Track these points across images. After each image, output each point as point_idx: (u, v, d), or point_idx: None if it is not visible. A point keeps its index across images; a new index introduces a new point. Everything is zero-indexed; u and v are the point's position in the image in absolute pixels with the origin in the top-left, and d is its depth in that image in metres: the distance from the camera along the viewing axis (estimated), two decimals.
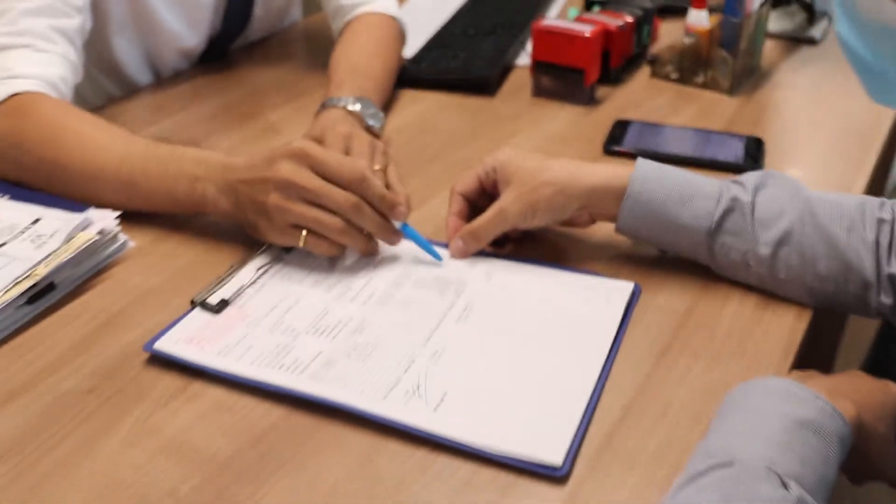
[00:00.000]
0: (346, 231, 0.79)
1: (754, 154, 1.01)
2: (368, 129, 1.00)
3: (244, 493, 0.62)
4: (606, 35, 1.14)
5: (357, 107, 1.00)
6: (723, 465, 0.57)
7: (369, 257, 0.83)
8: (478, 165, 0.86)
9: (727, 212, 0.78)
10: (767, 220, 0.77)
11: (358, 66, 1.09)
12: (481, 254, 0.85)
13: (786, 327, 0.77)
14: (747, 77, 1.20)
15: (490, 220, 0.82)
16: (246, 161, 0.82)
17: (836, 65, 1.27)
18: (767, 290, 0.80)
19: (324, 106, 1.01)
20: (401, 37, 1.20)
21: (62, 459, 0.64)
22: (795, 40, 1.34)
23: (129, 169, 0.86)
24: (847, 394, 0.65)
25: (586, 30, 1.10)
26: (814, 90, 1.20)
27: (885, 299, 0.75)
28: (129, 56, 1.20)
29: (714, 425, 0.62)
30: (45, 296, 0.78)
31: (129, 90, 1.22)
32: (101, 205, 0.86)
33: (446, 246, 0.85)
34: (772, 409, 0.61)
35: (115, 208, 0.85)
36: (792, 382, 0.63)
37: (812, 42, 1.34)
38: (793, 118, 1.14)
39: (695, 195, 0.79)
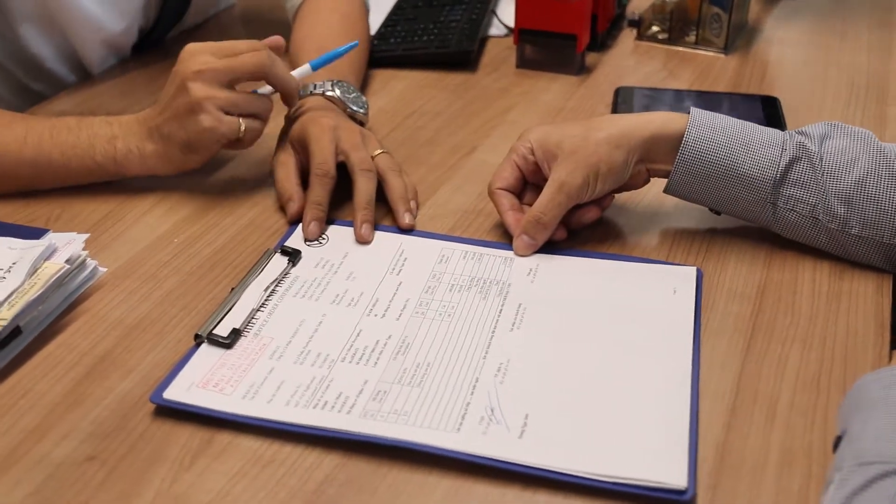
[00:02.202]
0: (272, 60, 0.79)
1: (774, 114, 0.94)
2: (351, 117, 0.88)
3: None
4: None
5: (336, 92, 0.88)
6: (891, 474, 0.49)
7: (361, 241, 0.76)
8: (509, 154, 0.76)
9: (794, 160, 0.71)
10: (838, 170, 0.70)
11: (325, 46, 0.95)
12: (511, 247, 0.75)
13: (870, 300, 0.69)
14: (738, 34, 1.13)
15: (552, 200, 0.72)
16: (155, 105, 0.80)
17: (822, 18, 1.21)
18: (836, 255, 0.72)
19: (298, 95, 0.88)
20: (365, 11, 1.07)
21: None
22: None
23: (37, 143, 0.80)
24: None
25: None
26: (810, 45, 1.14)
27: None
28: (45, 51, 1.04)
29: (855, 426, 0.54)
30: (10, 343, 0.64)
31: (59, 89, 1.06)
32: (2, 189, 0.82)
33: (500, 247, 0.75)
34: None
35: (21, 189, 0.82)
36: None
37: None
38: (797, 74, 1.07)
39: (757, 142, 0.71)
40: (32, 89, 1.08)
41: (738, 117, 0.94)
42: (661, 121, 0.73)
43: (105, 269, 0.73)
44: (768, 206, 0.72)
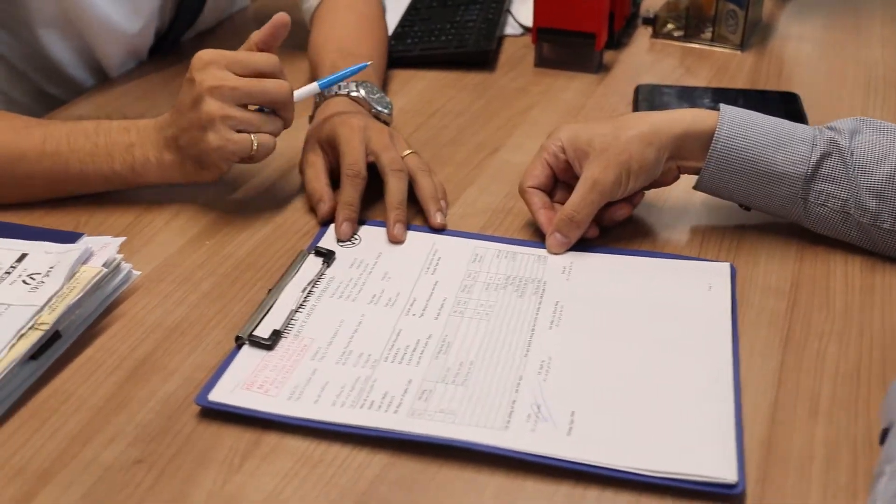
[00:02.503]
0: (287, 90, 0.76)
1: (795, 110, 0.94)
2: (376, 117, 0.88)
3: None
4: None
5: (361, 93, 0.88)
6: None
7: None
8: (540, 152, 0.76)
9: (825, 156, 0.71)
10: (869, 164, 0.71)
11: (348, 47, 0.96)
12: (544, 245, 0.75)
13: None
14: (753, 31, 1.13)
15: (584, 198, 0.72)
16: (170, 113, 0.79)
17: (835, 13, 1.22)
18: (871, 254, 0.73)
19: (322, 96, 0.89)
20: (383, 11, 1.08)
21: None
22: None
23: (55, 150, 0.79)
24: None
25: None
26: (825, 41, 1.15)
27: None
28: (64, 55, 1.04)
29: None
30: (50, 347, 0.64)
31: (76, 93, 1.06)
32: (20, 198, 0.81)
33: (533, 245, 0.75)
34: None
35: (38, 198, 0.81)
36: None
37: None
38: (814, 70, 1.08)
39: (788, 139, 0.72)
40: (49, 93, 1.08)
41: (766, 113, 0.95)
42: (691, 117, 0.73)
43: (139, 273, 0.73)
44: (799, 202, 0.73)
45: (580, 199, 0.73)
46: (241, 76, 0.75)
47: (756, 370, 0.63)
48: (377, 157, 0.79)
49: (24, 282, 0.66)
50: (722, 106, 0.73)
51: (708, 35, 1.11)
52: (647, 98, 0.97)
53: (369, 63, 0.85)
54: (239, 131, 0.75)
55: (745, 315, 0.68)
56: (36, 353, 0.63)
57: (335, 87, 0.88)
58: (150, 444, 0.58)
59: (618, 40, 1.11)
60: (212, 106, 0.73)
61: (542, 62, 1.07)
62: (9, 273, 0.67)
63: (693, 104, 0.96)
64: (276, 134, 0.77)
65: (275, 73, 0.76)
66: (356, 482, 0.55)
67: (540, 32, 1.05)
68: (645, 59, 1.10)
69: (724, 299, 0.68)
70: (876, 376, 0.62)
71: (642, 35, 1.16)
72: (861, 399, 0.61)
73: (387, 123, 0.90)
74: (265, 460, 0.57)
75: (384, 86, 1.02)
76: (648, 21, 1.15)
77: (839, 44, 1.13)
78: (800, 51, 1.12)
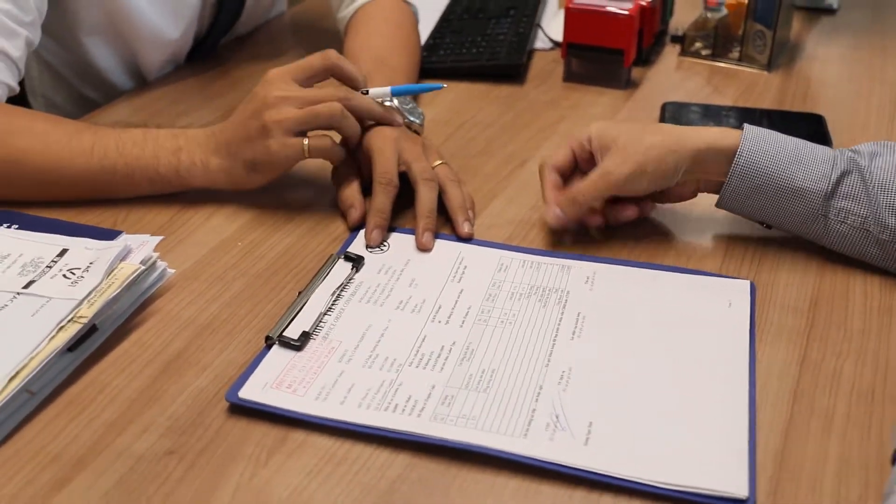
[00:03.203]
0: (344, 113, 0.80)
1: (820, 132, 0.95)
2: (408, 127, 0.90)
3: None
4: (642, 12, 1.07)
5: (395, 103, 0.90)
6: None
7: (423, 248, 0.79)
8: (570, 139, 0.79)
9: (844, 174, 0.73)
10: (888, 182, 0.72)
11: (382, 56, 0.99)
12: (573, 257, 0.77)
13: None
14: (781, 52, 1.14)
15: (593, 183, 0.76)
16: (227, 122, 0.83)
17: (863, 33, 1.23)
18: (890, 275, 0.74)
19: (397, 117, 0.91)
20: (416, 21, 1.10)
21: None
22: (814, 10, 1.29)
23: (103, 154, 0.82)
24: None
25: (625, 7, 1.03)
26: (852, 61, 1.16)
27: None
28: (107, 61, 1.08)
29: None
30: (87, 340, 0.67)
31: (114, 96, 1.09)
32: (68, 198, 0.83)
33: (558, 255, 0.77)
34: None
35: (85, 198, 0.83)
36: None
37: (830, 11, 1.29)
38: (841, 91, 1.09)
39: (809, 157, 0.74)
40: (88, 97, 1.11)
41: (785, 133, 0.96)
42: (716, 134, 0.76)
43: (174, 271, 0.75)
44: (819, 219, 0.74)
45: (588, 184, 0.76)
46: (305, 86, 0.81)
47: (772, 386, 0.64)
48: (409, 166, 0.82)
49: (64, 276, 0.69)
50: (746, 125, 0.75)
51: (735, 55, 1.13)
52: (674, 115, 0.99)
53: (444, 86, 0.90)
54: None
55: (764, 332, 0.69)
56: (73, 346, 0.66)
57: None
58: (181, 437, 0.61)
59: (646, 57, 1.13)
60: (271, 114, 0.78)
61: (570, 77, 1.09)
62: (50, 267, 0.70)
63: (718, 123, 0.98)
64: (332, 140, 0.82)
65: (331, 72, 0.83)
66: (378, 481, 0.57)
67: (570, 48, 1.07)
68: (673, 76, 1.12)
69: (743, 316, 0.70)
70: (890, 397, 0.63)
71: (670, 53, 1.17)
72: (875, 418, 0.62)
73: (418, 133, 0.92)
74: (291, 457, 0.59)
75: (415, 95, 1.05)
76: (677, 39, 1.16)
77: (866, 64, 1.14)
78: (827, 72, 1.13)
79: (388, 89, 0.84)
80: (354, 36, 1.04)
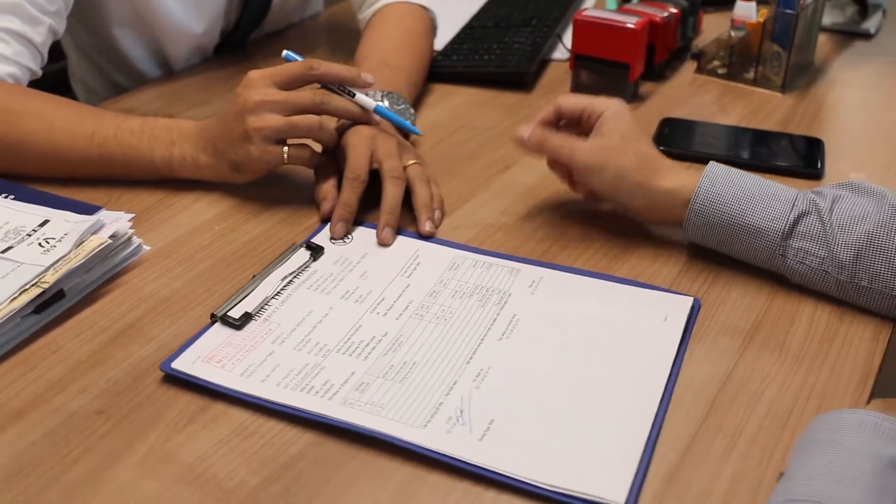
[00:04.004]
0: (322, 125, 0.83)
1: (813, 156, 0.94)
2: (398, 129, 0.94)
3: None
4: (652, 27, 1.07)
5: (385, 103, 0.93)
6: None
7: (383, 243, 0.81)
8: (592, 99, 0.82)
9: (802, 214, 0.73)
10: (847, 223, 0.72)
11: (387, 58, 1.02)
12: (526, 261, 0.78)
13: (863, 347, 0.70)
14: (801, 74, 1.12)
15: (560, 147, 0.81)
16: (215, 120, 0.86)
17: (890, 62, 1.19)
18: (844, 303, 0.73)
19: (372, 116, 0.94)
20: (432, 28, 1.13)
21: (69, 489, 0.58)
22: (848, 34, 1.26)
23: (102, 142, 0.87)
24: None
25: (632, 21, 1.03)
26: (872, 87, 1.13)
27: None
28: (135, 51, 1.15)
29: (794, 465, 0.55)
30: (53, 304, 0.72)
31: (143, 85, 1.16)
32: (74, 177, 0.89)
33: (510, 258, 0.79)
34: (861, 449, 0.54)
35: (88, 178, 0.89)
36: (882, 416, 0.56)
37: (866, 36, 1.26)
38: (852, 117, 1.06)
39: (768, 197, 0.74)
40: (121, 84, 1.19)
41: (776, 156, 0.96)
42: (676, 181, 0.78)
43: (149, 248, 0.81)
44: (778, 257, 0.74)
45: (558, 143, 0.81)
46: (285, 90, 0.83)
47: (686, 402, 0.64)
48: (380, 164, 0.85)
49: (39, 244, 0.75)
50: (710, 164, 0.77)
51: (751, 75, 1.11)
52: (669, 131, 0.99)
53: (420, 133, 0.95)
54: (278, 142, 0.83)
55: (695, 350, 0.69)
56: (39, 308, 0.71)
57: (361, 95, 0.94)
58: (113, 399, 0.65)
59: (660, 72, 1.13)
60: (252, 120, 0.81)
61: (578, 88, 1.10)
62: (30, 235, 0.76)
63: (707, 140, 0.97)
64: (318, 139, 0.85)
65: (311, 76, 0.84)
66: (279, 455, 0.61)
67: (577, 59, 1.08)
68: (683, 93, 1.11)
69: (675, 331, 0.70)
70: (804, 423, 0.62)
71: (688, 69, 1.17)
72: (782, 443, 0.61)
73: (407, 133, 0.95)
74: (206, 426, 0.63)
75: (422, 97, 1.08)
76: (696, 56, 1.16)
77: (887, 93, 1.11)
78: (843, 97, 1.10)
79: (373, 104, 0.87)
80: (367, 37, 1.08)
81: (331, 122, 0.86)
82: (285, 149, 0.83)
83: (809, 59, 1.15)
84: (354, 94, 0.88)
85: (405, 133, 0.94)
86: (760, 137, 0.98)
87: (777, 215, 0.73)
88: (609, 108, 0.80)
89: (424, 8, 1.12)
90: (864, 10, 1.29)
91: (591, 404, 0.63)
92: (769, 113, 1.06)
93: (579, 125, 0.83)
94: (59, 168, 0.89)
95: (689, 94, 1.11)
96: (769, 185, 0.75)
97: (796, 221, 0.73)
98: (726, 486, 0.58)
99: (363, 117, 0.86)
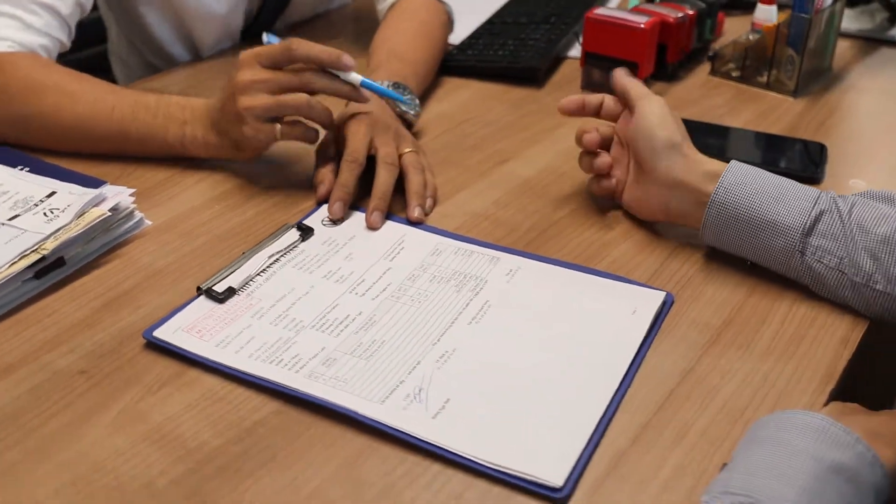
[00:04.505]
0: (311, 104, 0.85)
1: (815, 161, 0.94)
2: (401, 116, 0.96)
3: (223, 490, 0.58)
4: (664, 27, 1.08)
5: (391, 91, 0.96)
6: None
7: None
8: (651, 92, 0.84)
9: (824, 212, 0.73)
10: (866, 224, 0.72)
11: (397, 50, 1.05)
12: (508, 251, 0.80)
13: (830, 351, 0.70)
14: (816, 78, 1.12)
15: (639, 84, 0.85)
16: (217, 100, 0.88)
17: None
18: (819, 307, 0.74)
19: (359, 93, 0.97)
20: (447, 22, 1.15)
21: (44, 440, 0.62)
22: (874, 41, 1.25)
23: (120, 118, 0.91)
24: (889, 439, 0.58)
25: (642, 21, 1.04)
26: (888, 95, 1.11)
27: None
28: (162, 31, 1.19)
29: (737, 458, 0.56)
30: (53, 271, 0.77)
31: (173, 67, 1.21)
32: (95, 152, 0.93)
33: (492, 247, 0.81)
34: (804, 449, 0.54)
35: (109, 153, 0.93)
36: (830, 420, 0.56)
37: (892, 43, 1.24)
38: (861, 124, 1.05)
39: (790, 194, 0.74)
40: (154, 65, 1.23)
41: (777, 159, 0.96)
42: (715, 165, 0.78)
43: (150, 223, 0.84)
44: (796, 255, 0.74)
45: (632, 84, 0.85)
46: (275, 69, 0.84)
47: (643, 394, 0.66)
48: (376, 150, 0.87)
49: (44, 214, 0.79)
50: (732, 161, 0.77)
51: (765, 78, 1.11)
52: None
53: (403, 98, 0.96)
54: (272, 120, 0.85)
55: (661, 343, 0.70)
56: (40, 274, 0.75)
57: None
58: (97, 360, 0.69)
59: (673, 72, 1.13)
60: (242, 101, 0.84)
61: (589, 85, 1.11)
62: (37, 205, 0.80)
63: (708, 141, 0.97)
64: (308, 117, 0.87)
65: (293, 56, 0.84)
66: (243, 421, 0.64)
67: (588, 57, 1.09)
68: (695, 94, 1.11)
69: (643, 324, 0.71)
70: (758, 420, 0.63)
71: (703, 71, 1.17)
72: (731, 437, 0.62)
73: (411, 123, 0.98)
74: (179, 390, 0.66)
75: (432, 89, 1.10)
76: (712, 58, 1.16)
77: None
78: (856, 103, 1.09)
79: (359, 79, 0.87)
80: (382, 29, 1.11)
81: (338, 107, 0.89)
82: (278, 126, 0.85)
83: (826, 65, 1.14)
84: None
85: (408, 123, 0.97)
86: (762, 140, 0.98)
87: (799, 211, 0.73)
88: (655, 103, 0.83)
89: (440, 1, 1.15)
90: (893, 18, 1.28)
91: (546, 390, 0.65)
92: (778, 117, 1.05)
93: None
94: (80, 143, 0.93)
95: (700, 96, 1.11)
96: (791, 183, 0.75)
97: (817, 219, 0.73)
98: (668, 475, 0.59)
99: (352, 94, 0.87)
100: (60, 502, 0.58)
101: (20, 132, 0.93)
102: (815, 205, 0.73)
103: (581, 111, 0.87)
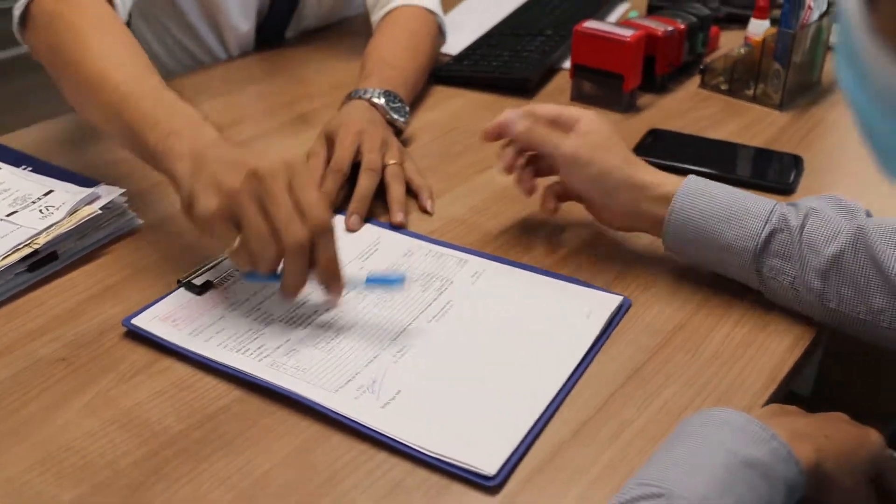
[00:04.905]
0: (271, 265, 0.70)
1: (790, 173, 0.95)
2: (391, 124, 1.00)
3: (181, 471, 0.62)
4: (651, 40, 1.10)
5: (381, 100, 1.00)
6: (653, 497, 0.53)
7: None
8: (568, 107, 0.84)
9: (774, 232, 0.73)
10: (817, 244, 0.72)
11: (388, 58, 1.09)
12: (476, 254, 0.83)
13: (776, 356, 0.72)
14: (803, 92, 1.13)
15: (547, 134, 0.81)
16: (234, 145, 0.75)
17: None
18: (771, 315, 0.76)
19: (349, 97, 1.01)
20: (437, 33, 1.19)
21: (21, 422, 0.66)
22: None
23: (125, 92, 0.79)
24: (815, 438, 0.60)
25: (627, 34, 1.07)
26: None
27: None
28: (204, 32, 1.25)
29: (659, 452, 0.59)
30: (47, 265, 0.81)
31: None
32: (92, 120, 0.86)
33: (462, 250, 0.84)
34: (720, 444, 0.57)
35: (102, 128, 0.86)
36: (749, 418, 0.59)
37: None
38: (843, 138, 1.07)
39: (742, 214, 0.74)
40: (196, 56, 1.30)
41: (752, 171, 0.98)
42: (657, 177, 0.79)
43: (142, 222, 0.89)
44: (753, 273, 0.75)
45: (545, 130, 0.82)
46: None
47: (587, 393, 0.68)
48: (362, 157, 0.91)
49: (40, 211, 0.84)
50: (688, 177, 0.78)
51: (752, 91, 1.13)
52: (653, 141, 1.02)
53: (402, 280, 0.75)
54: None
55: (612, 346, 0.73)
56: (33, 267, 0.80)
57: (360, 91, 1.01)
58: (77, 349, 0.73)
59: (661, 84, 1.15)
60: (235, 181, 0.69)
61: (578, 97, 1.14)
62: (34, 203, 0.85)
63: (687, 152, 0.99)
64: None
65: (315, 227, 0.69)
66: (206, 408, 0.68)
67: (577, 69, 1.12)
68: (682, 106, 1.13)
69: (595, 327, 0.74)
70: None
71: (693, 84, 1.19)
72: (666, 436, 0.64)
73: (400, 130, 1.01)
74: (151, 377, 0.71)
75: (422, 98, 1.14)
76: (702, 71, 1.18)
77: None
78: (842, 117, 1.10)
79: (362, 279, 0.75)
80: (373, 38, 1.15)
81: (346, 155, 0.90)
82: (238, 239, 0.70)
83: (814, 79, 1.16)
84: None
85: (397, 129, 1.01)
86: (741, 152, 1.00)
87: (751, 233, 0.74)
88: (587, 114, 0.83)
89: (432, 12, 1.18)
90: None
91: (494, 385, 0.68)
92: (761, 129, 1.07)
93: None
94: (83, 102, 0.85)
95: (686, 108, 1.13)
96: (744, 199, 0.76)
97: (769, 240, 0.73)
98: (600, 470, 0.62)
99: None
100: (31, 477, 0.62)
101: (63, 79, 0.87)
102: (765, 224, 0.73)
103: (500, 136, 0.85)
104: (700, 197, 0.76)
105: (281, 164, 0.69)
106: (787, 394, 0.73)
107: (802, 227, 0.73)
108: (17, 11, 0.92)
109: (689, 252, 0.78)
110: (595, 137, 0.80)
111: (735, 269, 0.76)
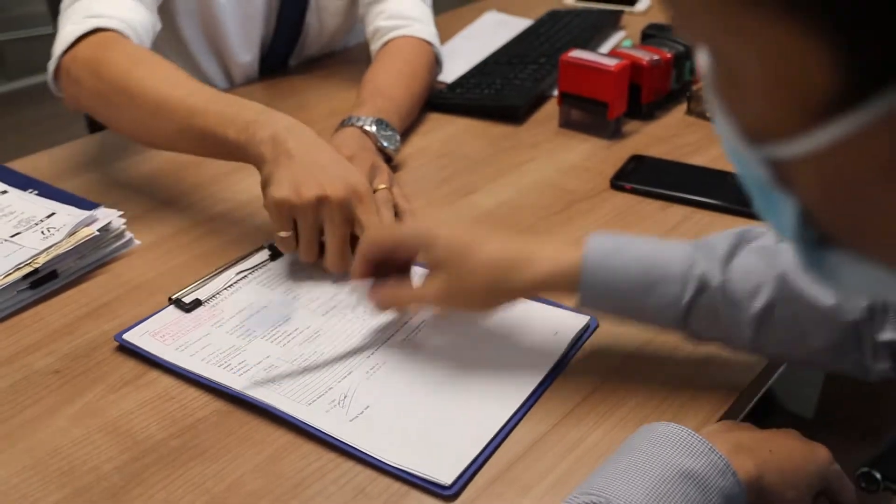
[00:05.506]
0: (309, 262, 0.85)
1: None
2: (382, 150, 1.04)
3: (157, 477, 0.66)
4: (635, 70, 1.14)
5: (373, 128, 1.04)
6: None
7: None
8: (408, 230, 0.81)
9: (697, 294, 0.68)
10: (742, 299, 0.68)
11: (382, 87, 1.13)
12: None
13: (735, 374, 0.75)
14: None
15: (413, 292, 0.77)
16: (314, 141, 0.87)
17: None
18: None
19: (342, 124, 1.06)
20: (433, 63, 1.23)
21: (13, 429, 0.71)
22: None
23: (193, 103, 0.90)
24: (757, 451, 0.63)
25: (612, 64, 1.10)
26: None
27: (882, 364, 0.69)
28: (207, 63, 1.30)
29: (604, 464, 0.62)
30: (47, 283, 0.86)
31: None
32: (158, 141, 0.97)
33: None
34: (659, 456, 0.60)
35: (171, 145, 0.96)
36: (689, 431, 0.61)
37: None
38: None
39: (657, 280, 0.69)
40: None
41: (731, 197, 0.99)
42: (553, 259, 0.71)
43: (139, 242, 0.94)
44: (682, 330, 0.72)
45: (409, 290, 0.77)
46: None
47: (545, 408, 0.72)
48: None
49: (42, 232, 0.89)
50: (589, 241, 0.71)
51: None
52: (635, 168, 1.05)
53: None
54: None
55: (578, 364, 0.76)
56: (34, 285, 0.85)
57: (353, 119, 1.05)
58: (71, 362, 0.78)
59: (647, 112, 1.19)
60: (309, 192, 0.80)
61: (566, 124, 1.17)
62: (37, 224, 0.90)
63: (668, 179, 1.02)
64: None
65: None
66: (186, 417, 0.72)
67: (564, 96, 1.16)
68: (667, 133, 1.17)
69: (560, 346, 0.77)
70: None
71: (680, 111, 1.22)
72: None
73: (390, 157, 1.06)
74: (138, 389, 0.75)
75: (416, 125, 1.18)
76: (688, 98, 1.21)
77: None
78: None
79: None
80: (371, 67, 1.19)
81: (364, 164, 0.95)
82: (285, 234, 0.83)
83: None
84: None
85: (387, 156, 1.05)
86: (721, 178, 1.03)
87: (671, 301, 0.69)
88: (441, 238, 0.73)
89: (428, 43, 1.23)
90: None
91: (458, 402, 0.72)
92: None
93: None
94: (144, 124, 0.94)
95: (671, 135, 1.16)
96: (656, 259, 0.69)
97: (691, 306, 0.69)
98: (553, 481, 0.65)
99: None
100: (19, 481, 0.66)
101: (109, 106, 0.97)
102: (684, 289, 0.68)
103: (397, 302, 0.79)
104: (608, 266, 0.70)
105: (350, 194, 0.82)
106: (790, 416, 0.75)
107: (723, 283, 0.68)
108: (51, 66, 1.01)
109: (614, 316, 0.74)
110: (462, 245, 0.72)
111: (665, 329, 0.73)
